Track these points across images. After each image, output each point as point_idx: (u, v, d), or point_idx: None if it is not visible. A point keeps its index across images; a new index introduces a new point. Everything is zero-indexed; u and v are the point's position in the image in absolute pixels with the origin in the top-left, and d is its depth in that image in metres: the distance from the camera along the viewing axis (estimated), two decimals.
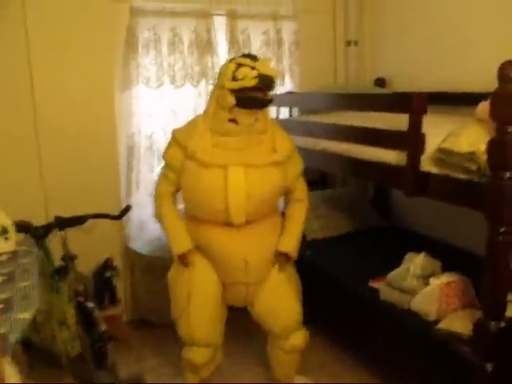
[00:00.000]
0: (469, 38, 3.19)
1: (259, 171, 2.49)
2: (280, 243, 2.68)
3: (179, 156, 2.53)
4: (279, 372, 2.89)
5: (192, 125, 2.59)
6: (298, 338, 2.74)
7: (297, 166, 2.69)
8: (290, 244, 2.69)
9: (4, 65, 3.12)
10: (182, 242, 2.60)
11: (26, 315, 1.84)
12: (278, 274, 2.69)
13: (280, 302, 2.69)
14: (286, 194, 2.75)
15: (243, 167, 2.45)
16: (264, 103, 2.45)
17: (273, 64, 2.56)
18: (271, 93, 2.44)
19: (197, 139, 2.48)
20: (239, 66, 2.37)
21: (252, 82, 2.32)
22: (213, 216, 2.54)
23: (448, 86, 3.25)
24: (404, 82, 3.73)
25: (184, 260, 2.60)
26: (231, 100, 2.38)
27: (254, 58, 2.42)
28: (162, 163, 2.68)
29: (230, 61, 2.46)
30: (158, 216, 2.70)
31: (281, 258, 2.68)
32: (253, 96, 2.37)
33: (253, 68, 2.34)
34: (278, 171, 2.56)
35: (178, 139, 2.55)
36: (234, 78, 2.36)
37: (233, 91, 2.37)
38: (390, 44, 3.85)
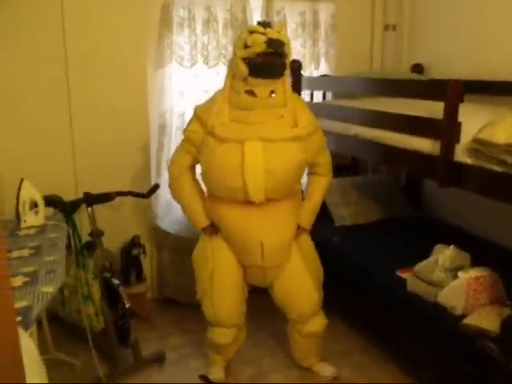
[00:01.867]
0: (509, 26, 3.06)
1: (278, 146, 2.41)
2: (299, 217, 2.66)
3: (199, 131, 2.49)
4: (299, 356, 2.90)
5: (212, 100, 2.54)
6: (315, 323, 2.74)
7: (318, 140, 2.61)
8: (307, 219, 2.69)
9: (39, 42, 3.13)
10: (202, 218, 2.62)
11: (50, 289, 1.86)
12: (297, 259, 2.66)
13: (298, 287, 2.67)
14: (309, 169, 2.72)
15: (261, 142, 2.38)
16: (274, 68, 2.36)
17: (285, 28, 2.46)
18: (285, 59, 2.38)
19: (215, 113, 2.44)
20: (251, 33, 2.32)
21: (261, 48, 2.28)
22: (231, 194, 2.48)
23: (488, 74, 3.14)
24: (442, 68, 3.61)
25: (209, 230, 2.63)
26: (244, 69, 2.33)
27: (266, 24, 2.35)
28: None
29: (244, 30, 2.44)
30: (177, 189, 2.65)
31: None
32: (262, 61, 2.32)
33: (263, 34, 2.29)
34: (298, 146, 2.47)
35: (198, 114, 2.51)
36: (246, 46, 2.31)
37: (245, 60, 2.32)
38: (429, 29, 3.73)
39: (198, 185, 2.68)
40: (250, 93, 2.38)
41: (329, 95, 3.76)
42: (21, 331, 1.12)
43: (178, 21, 3.37)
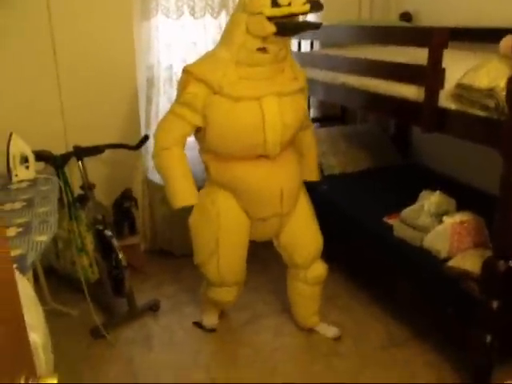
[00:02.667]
0: None
1: (290, 99, 2.44)
2: (306, 173, 2.77)
3: (202, 92, 2.35)
4: (301, 312, 2.86)
5: (212, 58, 2.43)
6: (319, 267, 2.76)
7: (306, 92, 2.71)
8: (314, 173, 2.88)
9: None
10: (190, 194, 2.52)
11: (44, 238, 1.91)
12: (302, 204, 2.71)
13: (305, 230, 2.72)
14: None
15: (276, 97, 2.37)
16: (307, 27, 2.40)
17: None
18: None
19: (222, 73, 2.32)
20: None
21: (303, 9, 2.20)
22: (247, 151, 2.45)
23: (475, 21, 3.13)
24: (431, 16, 3.60)
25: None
26: (271, 29, 2.21)
27: None
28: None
29: None
30: (164, 163, 2.50)
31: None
32: (303, 24, 2.35)
33: None
34: (303, 97, 2.57)
35: (197, 74, 2.36)
36: (276, 4, 2.18)
37: (272, 18, 2.20)
38: None
39: (187, 161, 2.55)
40: (262, 49, 2.31)
41: (316, 44, 3.74)
42: (17, 274, 1.17)
43: None
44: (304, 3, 2.18)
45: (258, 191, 2.51)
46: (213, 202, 2.57)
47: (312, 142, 2.85)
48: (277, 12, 2.19)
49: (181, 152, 2.51)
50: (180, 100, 2.43)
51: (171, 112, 2.48)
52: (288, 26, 2.24)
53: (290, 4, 2.18)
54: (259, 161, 2.50)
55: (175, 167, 2.49)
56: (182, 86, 2.44)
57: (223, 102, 2.34)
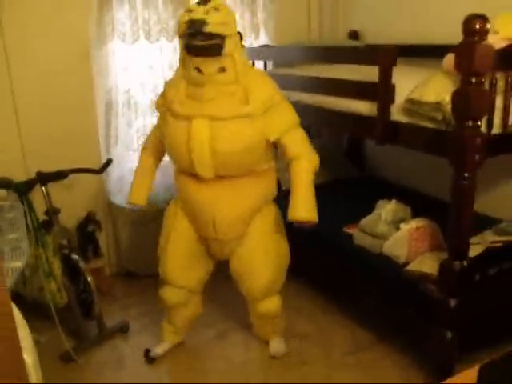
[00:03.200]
0: None
1: (227, 124, 2.34)
2: (289, 212, 2.48)
3: (163, 106, 2.55)
4: (256, 331, 2.94)
5: (174, 76, 2.56)
6: (266, 305, 2.71)
7: (283, 118, 2.46)
8: (300, 210, 2.47)
9: None
10: (138, 194, 2.81)
11: (18, 264, 1.94)
12: (254, 234, 2.60)
13: (250, 265, 2.62)
14: (282, 154, 2.55)
15: (208, 120, 2.34)
16: (204, 51, 2.27)
17: (223, 5, 2.35)
18: (222, 39, 2.26)
19: (174, 89, 2.46)
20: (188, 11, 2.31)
21: (182, 29, 2.28)
22: (183, 168, 2.54)
23: (419, 38, 3.34)
24: (376, 34, 3.80)
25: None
26: (181, 47, 2.37)
27: (203, 1, 2.29)
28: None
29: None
30: (139, 157, 2.83)
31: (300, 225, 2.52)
32: (191, 43, 2.27)
33: (190, 12, 2.27)
34: (250, 125, 2.36)
35: (164, 89, 2.58)
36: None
37: (181, 37, 2.34)
38: None
39: (155, 163, 2.82)
40: (197, 69, 2.33)
41: (270, 64, 3.87)
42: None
43: None
44: (184, 23, 2.26)
45: (192, 210, 2.60)
46: (175, 204, 2.74)
47: (298, 177, 2.51)
48: (179, 32, 2.33)
49: (153, 155, 2.78)
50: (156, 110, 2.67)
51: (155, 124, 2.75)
52: (187, 47, 2.30)
53: (180, 25, 2.31)
54: (198, 182, 2.51)
55: (141, 167, 2.81)
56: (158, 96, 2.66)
57: (168, 116, 2.48)
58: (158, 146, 2.72)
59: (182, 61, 2.42)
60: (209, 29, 2.22)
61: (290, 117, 2.50)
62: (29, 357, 1.26)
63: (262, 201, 2.63)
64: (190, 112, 2.39)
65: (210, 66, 2.31)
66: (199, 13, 2.24)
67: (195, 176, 2.50)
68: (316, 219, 2.51)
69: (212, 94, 2.36)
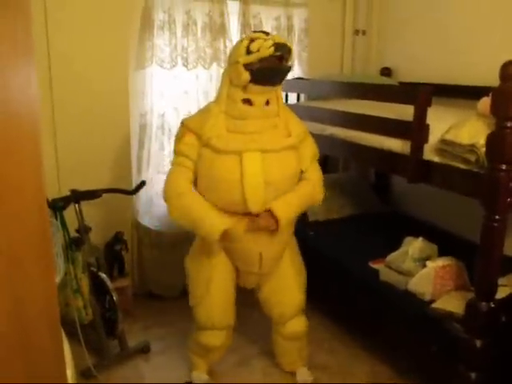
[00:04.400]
0: (474, 32, 3.32)
1: (276, 156, 2.41)
2: (273, 202, 2.44)
3: (195, 143, 2.43)
4: (281, 359, 2.95)
5: (205, 111, 2.50)
6: (296, 324, 2.79)
7: (310, 149, 2.61)
8: (283, 208, 2.46)
9: None
10: (219, 220, 2.41)
11: (55, 279, 1.97)
12: (286, 263, 2.71)
13: (283, 289, 2.73)
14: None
15: (260, 152, 2.36)
16: (284, 71, 2.37)
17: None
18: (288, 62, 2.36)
19: (211, 125, 2.39)
20: (252, 40, 2.30)
21: (269, 52, 2.25)
22: (229, 206, 2.44)
23: (451, 78, 3.39)
24: (409, 72, 3.86)
25: (227, 237, 2.43)
26: (246, 76, 2.29)
27: (266, 33, 2.37)
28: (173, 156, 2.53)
29: (242, 39, 2.40)
30: (183, 205, 2.45)
31: (268, 219, 2.45)
32: (271, 66, 2.29)
33: (269, 39, 2.28)
34: (294, 155, 2.49)
35: (191, 127, 2.45)
36: (249, 52, 2.28)
37: (247, 66, 2.29)
38: (397, 35, 3.97)
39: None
40: (247, 101, 2.37)
41: (302, 97, 3.94)
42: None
43: (158, 24, 3.48)
44: (269, 47, 2.25)
45: (237, 250, 2.58)
46: (203, 245, 2.65)
47: (299, 188, 2.57)
48: (249, 59, 2.28)
49: (196, 193, 2.49)
50: (177, 151, 2.51)
51: (173, 164, 2.53)
52: (260, 72, 2.29)
53: (258, 50, 2.27)
54: (243, 218, 2.47)
55: (199, 205, 2.45)
56: (178, 137, 2.52)
57: (208, 153, 2.40)
58: (191, 187, 2.50)
59: (225, 94, 2.43)
60: (291, 55, 2.35)
61: (315, 149, 2.67)
62: (69, 371, 1.31)
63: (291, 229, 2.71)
64: (237, 146, 2.36)
65: (261, 97, 2.38)
66: (279, 38, 2.32)
67: (237, 214, 2.46)
68: (275, 227, 2.46)
69: (259, 127, 2.41)
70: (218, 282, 2.64)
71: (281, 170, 2.43)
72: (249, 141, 2.38)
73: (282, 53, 2.29)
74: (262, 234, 2.51)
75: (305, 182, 2.61)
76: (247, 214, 2.45)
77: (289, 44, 2.33)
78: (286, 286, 2.74)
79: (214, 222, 2.40)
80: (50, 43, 3.26)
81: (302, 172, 2.60)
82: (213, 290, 2.63)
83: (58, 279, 1.98)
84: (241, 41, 2.39)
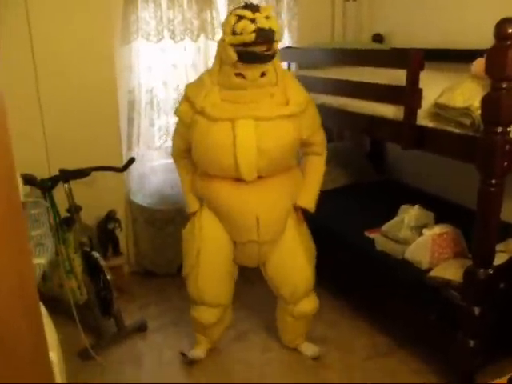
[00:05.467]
0: None
1: (270, 124, 2.39)
2: (299, 198, 2.64)
3: (189, 111, 2.48)
4: (286, 338, 2.91)
5: (199, 81, 2.53)
6: (307, 304, 2.74)
7: (312, 118, 2.59)
8: (309, 199, 2.66)
9: (4, 23, 3.09)
10: (192, 203, 2.68)
11: (42, 260, 1.93)
12: (291, 237, 2.64)
13: (292, 264, 2.65)
14: (303, 147, 2.66)
15: (253, 120, 2.36)
16: (265, 59, 2.32)
17: (272, 13, 2.32)
18: (275, 45, 2.31)
19: (204, 95, 2.41)
20: (239, 18, 2.24)
21: (250, 37, 2.21)
22: (223, 172, 2.47)
23: (445, 42, 3.30)
24: (401, 38, 3.76)
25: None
26: (233, 55, 2.28)
27: (255, 8, 2.28)
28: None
29: (232, 12, 2.33)
30: (177, 170, 2.76)
31: (297, 211, 2.67)
32: (252, 51, 2.26)
33: (252, 21, 2.21)
34: (290, 124, 2.44)
35: (187, 95, 2.51)
36: (234, 32, 2.25)
37: (234, 46, 2.27)
38: (388, 0, 3.86)
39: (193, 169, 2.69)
40: (240, 75, 2.35)
41: (293, 66, 3.86)
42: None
43: None
44: (251, 32, 2.20)
45: (233, 215, 2.53)
46: (199, 216, 2.65)
47: (315, 169, 2.71)
48: (234, 40, 2.26)
49: (185, 162, 2.70)
50: (177, 117, 2.61)
51: (175, 129, 2.69)
52: (245, 55, 2.28)
53: (242, 33, 2.23)
54: (237, 184, 2.50)
55: (183, 179, 2.73)
56: (179, 102, 2.63)
57: (202, 121, 2.42)
58: (185, 155, 2.66)
59: (217, 67, 2.42)
60: (276, 38, 2.28)
61: (318, 118, 2.64)
62: (54, 353, 1.26)
63: (294, 199, 2.66)
64: (231, 114, 2.37)
65: (254, 71, 2.34)
66: (261, 20, 2.22)
67: (232, 180, 2.49)
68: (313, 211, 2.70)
69: (254, 97, 2.40)
70: (208, 257, 2.61)
71: (275, 138, 2.41)
72: (242, 109, 2.39)
73: (264, 39, 2.24)
74: (257, 197, 2.50)
75: (316, 158, 2.69)
76: (240, 179, 2.46)
77: (273, 27, 2.25)
78: (293, 260, 2.66)
79: (190, 199, 2.69)
80: (30, 19, 3.17)
81: (303, 141, 2.58)
82: (202, 264, 2.61)
83: (43, 260, 1.92)
84: (229, 15, 2.33)
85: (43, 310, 1.44)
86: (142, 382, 2.72)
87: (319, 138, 2.67)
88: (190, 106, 2.48)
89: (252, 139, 2.37)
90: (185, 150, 2.64)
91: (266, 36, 2.24)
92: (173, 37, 3.51)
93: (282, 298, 2.76)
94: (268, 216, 2.52)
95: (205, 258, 2.61)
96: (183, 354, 2.86)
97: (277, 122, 2.41)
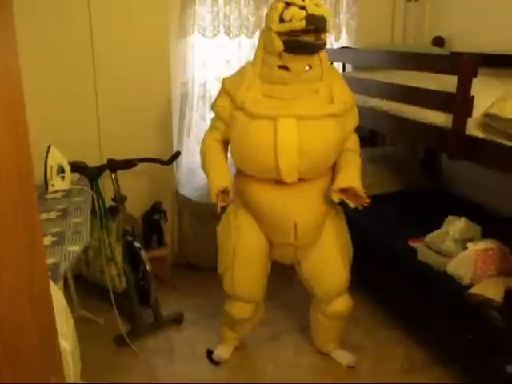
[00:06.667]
0: None
1: (314, 124, 2.27)
2: (340, 180, 2.34)
3: (228, 106, 2.40)
4: (318, 340, 2.86)
5: (240, 73, 2.42)
6: (341, 303, 2.66)
7: (354, 119, 2.51)
8: (353, 178, 2.35)
9: (65, 14, 3.20)
10: (220, 179, 2.38)
11: (76, 248, 1.99)
12: (329, 236, 2.58)
13: (326, 265, 2.59)
14: None
15: (296, 119, 2.24)
16: (314, 49, 2.22)
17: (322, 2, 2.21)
18: (324, 35, 2.21)
19: (245, 88, 2.31)
20: (287, 5, 2.13)
21: (300, 24, 2.10)
22: (262, 173, 2.38)
23: (506, 48, 3.14)
24: (463, 42, 3.62)
25: (222, 199, 2.37)
26: (279, 44, 2.17)
27: None
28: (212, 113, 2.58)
29: (278, 1, 2.20)
30: (203, 163, 2.55)
31: (343, 195, 2.34)
32: (301, 40, 2.15)
33: (302, 8, 2.10)
34: (335, 124, 2.33)
35: (226, 88, 2.41)
36: (282, 20, 2.14)
37: (280, 34, 2.16)
38: (451, 2, 3.72)
39: (225, 155, 2.56)
40: (284, 67, 2.25)
41: (348, 67, 3.79)
42: (51, 283, 1.24)
43: None
44: (301, 19, 2.10)
45: (270, 218, 2.47)
46: (235, 215, 2.60)
47: (352, 159, 2.48)
48: (281, 28, 2.15)
49: (218, 145, 2.52)
50: (214, 111, 2.53)
51: (210, 123, 2.59)
52: (293, 45, 2.17)
53: (291, 20, 2.12)
54: (276, 186, 2.40)
55: (212, 163, 2.49)
56: (217, 97, 2.51)
57: (242, 117, 2.33)
58: (220, 144, 2.53)
59: (260, 58, 2.33)
60: (328, 26, 2.17)
61: (357, 119, 2.55)
62: (67, 342, 1.28)
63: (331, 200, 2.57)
64: (273, 112, 2.26)
65: (300, 63, 2.25)
66: (312, 7, 2.11)
67: (271, 181, 2.41)
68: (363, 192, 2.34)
69: (297, 92, 2.30)
70: (244, 256, 2.57)
71: (318, 139, 2.29)
72: (285, 106, 2.27)
73: (315, 26, 2.13)
74: (296, 201, 2.41)
75: (351, 153, 2.51)
76: (279, 181, 2.37)
77: (325, 15, 2.14)
78: (329, 262, 2.59)
79: (214, 178, 2.40)
80: (91, 14, 3.25)
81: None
82: (237, 263, 2.58)
83: (78, 248, 1.97)
84: (277, 2, 2.20)
85: (61, 299, 1.47)
86: (172, 373, 2.74)
87: (353, 137, 2.55)
88: (230, 100, 2.39)
89: (294, 139, 2.25)
90: (219, 143, 2.52)
91: (318, 23, 2.13)
92: (228, 33, 3.52)
93: (315, 297, 2.72)
94: (306, 221, 2.45)
95: (241, 258, 2.57)
96: (209, 352, 2.87)
97: (321, 121, 2.30)
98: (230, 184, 2.39)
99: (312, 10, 2.11)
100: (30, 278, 1.04)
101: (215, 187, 2.35)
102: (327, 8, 2.24)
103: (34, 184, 1.08)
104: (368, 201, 2.33)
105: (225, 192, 2.37)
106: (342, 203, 2.42)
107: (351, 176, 2.37)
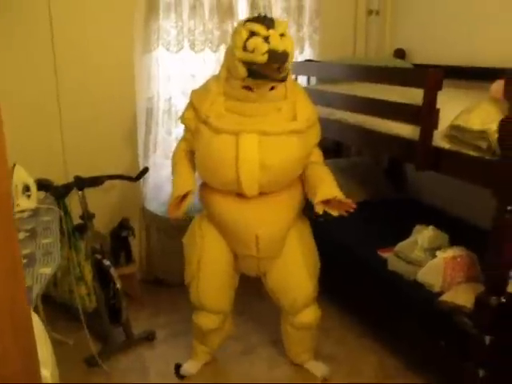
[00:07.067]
0: (490, 14, 3.16)
1: (276, 140, 2.32)
2: (322, 192, 2.35)
3: (193, 118, 2.46)
4: (291, 351, 2.86)
5: (205, 88, 2.47)
6: (308, 314, 2.68)
7: (316, 135, 2.56)
8: (334, 188, 2.39)
9: (26, 29, 3.14)
10: (184, 184, 2.44)
11: (48, 270, 1.93)
12: (293, 247, 2.59)
13: (291, 277, 2.61)
14: None
15: (257, 135, 2.29)
16: (276, 80, 2.24)
17: (288, 29, 2.22)
18: (287, 65, 2.20)
19: (209, 103, 2.37)
20: (252, 34, 2.13)
21: (262, 59, 2.11)
22: (224, 185, 2.43)
23: (467, 60, 3.24)
24: (423, 54, 3.71)
25: (178, 202, 2.41)
26: (243, 72, 2.20)
27: (268, 23, 2.14)
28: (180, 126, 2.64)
29: (244, 24, 2.19)
30: (172, 172, 2.62)
31: (329, 205, 2.38)
32: (263, 73, 2.18)
33: (265, 39, 2.10)
34: (297, 140, 2.38)
35: (193, 101, 2.48)
36: (245, 48, 2.15)
37: (244, 62, 2.18)
38: (411, 15, 3.82)
39: (193, 164, 2.57)
40: (248, 87, 2.29)
41: (313, 80, 3.83)
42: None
43: (164, 5, 3.38)
44: (263, 53, 2.11)
45: (232, 230, 2.50)
46: (200, 225, 2.64)
47: (321, 169, 2.54)
48: (245, 56, 2.16)
49: (183, 158, 2.58)
50: (182, 124, 2.59)
51: (182, 135, 2.65)
52: (254, 72, 2.19)
53: (253, 51, 2.13)
54: (238, 199, 2.45)
55: (178, 170, 2.57)
56: (184, 109, 2.57)
57: (206, 131, 2.38)
58: (189, 153, 2.59)
59: (224, 78, 2.37)
60: (289, 60, 2.19)
61: (319, 135, 2.61)
62: (47, 371, 1.25)
63: (297, 213, 2.61)
64: (235, 127, 2.32)
65: (263, 86, 2.29)
66: (276, 40, 2.12)
67: (233, 194, 2.45)
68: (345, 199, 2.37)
69: (260, 110, 2.36)
70: (208, 265, 2.60)
71: (280, 154, 2.35)
72: (248, 122, 2.33)
73: (276, 64, 2.15)
74: (258, 214, 2.45)
75: (318, 165, 2.58)
76: (242, 195, 2.42)
77: (287, 49, 2.16)
78: (293, 273, 2.61)
79: (178, 183, 2.47)
80: (53, 27, 3.21)
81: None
82: (202, 272, 2.60)
83: (50, 270, 1.92)
84: (241, 26, 2.20)
85: (40, 325, 1.43)
86: None
87: (316, 150, 2.62)
88: (195, 113, 2.45)
89: (255, 154, 2.31)
90: (188, 152, 2.59)
91: (280, 59, 2.15)
92: (193, 47, 3.52)
93: (283, 308, 2.73)
94: (268, 234, 2.47)
95: (205, 267, 2.60)
96: (177, 366, 2.84)
97: (282, 137, 2.35)
98: (194, 190, 2.46)
99: (274, 42, 2.12)
100: (11, 303, 1.02)
101: (177, 191, 2.41)
102: (290, 38, 2.21)
103: (12, 205, 1.06)
104: (354, 205, 2.38)
105: (185, 197, 2.42)
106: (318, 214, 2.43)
107: (331, 186, 2.42)
